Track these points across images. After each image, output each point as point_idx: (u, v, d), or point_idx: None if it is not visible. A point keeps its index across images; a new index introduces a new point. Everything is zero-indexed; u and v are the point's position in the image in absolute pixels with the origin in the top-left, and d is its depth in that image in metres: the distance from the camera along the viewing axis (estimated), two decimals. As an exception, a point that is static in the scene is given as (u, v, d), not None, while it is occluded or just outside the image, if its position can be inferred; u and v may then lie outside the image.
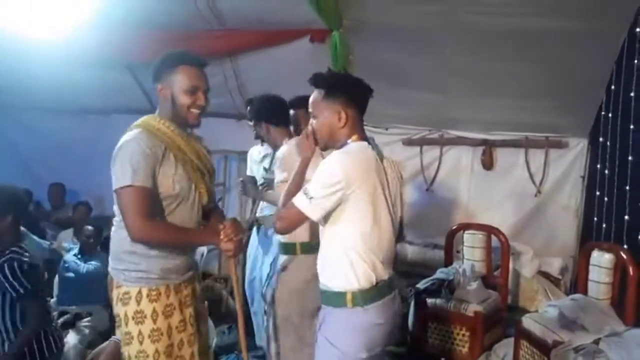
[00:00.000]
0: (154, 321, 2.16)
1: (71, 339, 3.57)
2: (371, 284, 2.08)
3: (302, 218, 2.08)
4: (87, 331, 3.74)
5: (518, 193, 5.20)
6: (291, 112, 3.40)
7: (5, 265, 2.61)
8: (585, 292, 3.46)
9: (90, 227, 4.23)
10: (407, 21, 3.99)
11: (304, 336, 2.91)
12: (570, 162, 5.03)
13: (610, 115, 4.17)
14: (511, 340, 3.57)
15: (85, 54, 4.54)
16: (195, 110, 2.21)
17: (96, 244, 4.23)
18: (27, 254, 2.71)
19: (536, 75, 4.27)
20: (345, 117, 2.12)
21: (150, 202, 2.10)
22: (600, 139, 4.39)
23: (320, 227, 2.19)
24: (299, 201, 2.06)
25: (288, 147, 3.06)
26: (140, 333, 2.16)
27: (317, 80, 2.17)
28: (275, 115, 3.31)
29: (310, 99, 2.19)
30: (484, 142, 5.19)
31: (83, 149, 5.70)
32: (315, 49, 4.39)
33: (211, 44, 4.59)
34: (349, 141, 2.14)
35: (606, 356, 2.76)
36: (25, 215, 3.01)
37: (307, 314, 2.93)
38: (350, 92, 2.15)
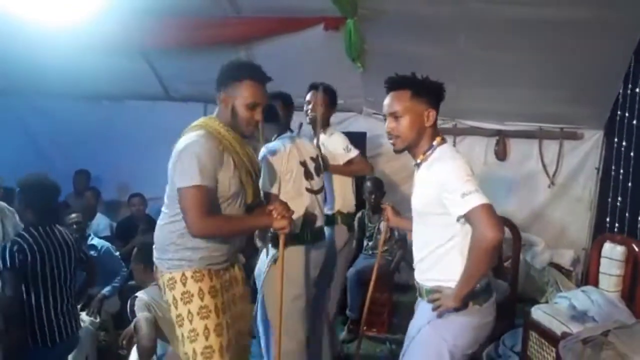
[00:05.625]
0: (201, 299, 2.25)
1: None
2: (487, 283, 2.12)
3: (492, 208, 1.97)
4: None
5: (531, 184, 5.19)
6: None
7: (10, 242, 2.87)
8: (596, 284, 3.44)
9: (74, 215, 4.09)
10: (421, 10, 3.95)
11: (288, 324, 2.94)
12: (585, 153, 5.01)
13: (627, 106, 4.13)
14: (520, 330, 3.57)
15: (100, 40, 4.55)
16: (250, 125, 2.34)
17: (83, 230, 4.13)
18: (30, 239, 2.86)
19: (551, 65, 4.22)
20: (431, 116, 2.17)
21: (211, 201, 2.20)
22: (617, 131, 4.35)
23: (424, 228, 2.19)
24: (476, 200, 1.97)
25: (279, 151, 2.99)
26: (189, 312, 2.24)
27: (401, 82, 2.18)
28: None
29: (392, 100, 2.18)
30: (498, 133, 5.17)
31: (97, 134, 5.70)
32: (329, 37, 4.35)
33: (225, 31, 4.58)
34: (434, 143, 2.21)
35: (615, 348, 2.74)
36: (51, 206, 3.08)
37: (295, 299, 2.97)
38: (434, 93, 2.20)
